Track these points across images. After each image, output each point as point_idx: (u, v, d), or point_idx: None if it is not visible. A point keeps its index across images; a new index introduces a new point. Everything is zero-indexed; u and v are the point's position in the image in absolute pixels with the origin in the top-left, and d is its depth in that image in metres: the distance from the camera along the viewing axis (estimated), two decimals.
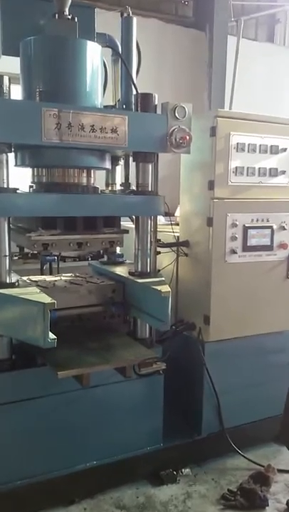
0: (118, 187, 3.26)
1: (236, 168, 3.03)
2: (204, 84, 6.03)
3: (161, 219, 3.97)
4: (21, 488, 2.60)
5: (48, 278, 3.03)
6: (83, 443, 2.79)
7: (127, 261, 3.25)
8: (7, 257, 2.47)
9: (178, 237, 3.30)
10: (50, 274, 3.50)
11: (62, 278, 3.04)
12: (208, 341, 3.09)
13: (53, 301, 2.19)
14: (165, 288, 2.58)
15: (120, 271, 3.03)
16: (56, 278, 3.04)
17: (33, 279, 2.89)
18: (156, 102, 2.74)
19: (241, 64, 5.82)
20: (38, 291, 2.41)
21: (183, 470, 3.11)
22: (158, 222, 3.62)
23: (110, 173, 3.27)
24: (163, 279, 2.79)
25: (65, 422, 2.71)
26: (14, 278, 2.57)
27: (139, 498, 2.84)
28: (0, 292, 2.36)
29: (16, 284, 2.51)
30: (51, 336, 2.16)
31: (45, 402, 2.65)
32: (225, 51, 5.85)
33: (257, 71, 6.25)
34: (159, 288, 2.57)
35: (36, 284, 2.75)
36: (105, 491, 2.86)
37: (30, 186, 2.82)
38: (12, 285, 2.48)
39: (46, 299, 2.21)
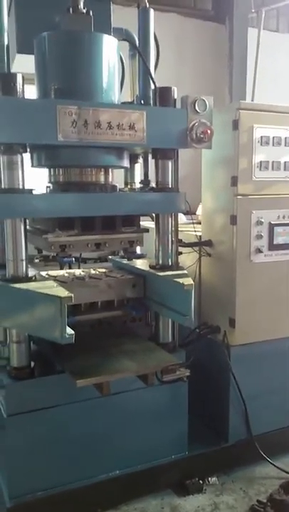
0: (137, 185, 3.15)
1: (261, 162, 2.89)
2: (225, 77, 5.88)
3: (182, 218, 3.86)
4: (43, 499, 2.52)
5: (67, 273, 2.91)
6: (106, 452, 2.69)
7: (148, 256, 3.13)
8: (24, 261, 2.40)
9: (200, 236, 3.18)
10: None
11: (82, 272, 2.93)
12: (233, 345, 2.96)
13: (70, 294, 2.09)
14: (188, 281, 2.46)
15: (141, 265, 2.92)
16: (76, 272, 2.93)
17: (52, 274, 2.79)
18: (175, 96, 2.63)
19: (263, 56, 5.65)
20: (55, 284, 2.32)
21: (209, 479, 2.98)
22: (179, 222, 3.52)
23: (129, 172, 3.17)
24: (185, 272, 2.67)
25: (86, 430, 2.62)
26: (31, 272, 2.48)
27: (164, 509, 2.73)
28: (15, 287, 2.28)
29: (33, 278, 2.42)
30: (69, 331, 2.08)
31: (66, 410, 2.56)
32: (246, 43, 5.69)
33: (279, 62, 6.06)
34: (181, 281, 2.45)
35: (54, 278, 2.65)
36: (129, 502, 2.76)
37: (48, 187, 2.73)
38: (29, 279, 2.40)
39: (63, 292, 2.13)
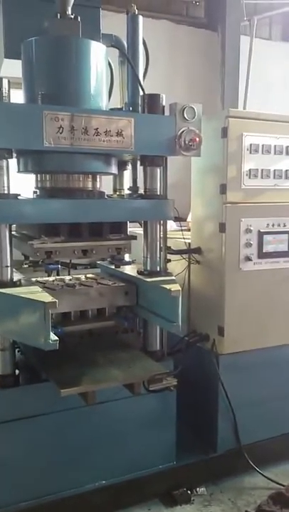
0: (126, 192, 3.12)
1: (250, 170, 2.88)
2: (218, 85, 5.89)
3: (172, 225, 3.84)
4: (27, 510, 2.48)
5: (57, 279, 2.85)
6: (92, 461, 2.65)
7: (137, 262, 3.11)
8: (8, 268, 2.37)
9: (189, 243, 3.16)
10: None
11: (72, 279, 2.87)
12: (222, 353, 2.93)
13: (55, 300, 2.08)
14: (175, 287, 2.43)
15: (129, 270, 2.89)
16: (66, 279, 2.88)
17: (41, 281, 2.74)
18: (164, 103, 2.61)
19: (255, 64, 5.67)
20: (40, 290, 2.30)
21: (198, 489, 2.94)
22: (169, 229, 3.49)
23: (118, 178, 3.15)
24: (174, 278, 2.65)
25: (71, 439, 2.59)
26: (16, 277, 2.46)
27: None
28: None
29: (18, 283, 2.39)
30: (53, 337, 2.05)
31: (51, 419, 2.52)
32: (238, 51, 5.71)
33: (272, 70, 6.08)
34: (168, 287, 2.43)
35: (43, 285, 2.60)
36: None
37: (34, 192, 2.71)
38: (13, 284, 2.37)
39: (47, 298, 2.11)
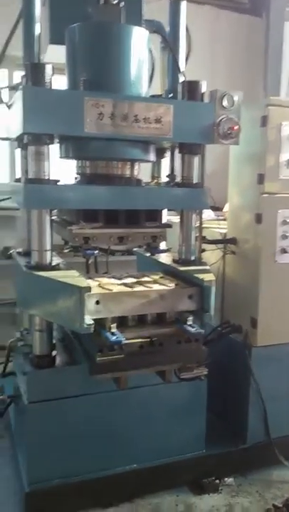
0: (164, 180, 3.12)
1: (288, 160, 2.81)
2: (260, 72, 5.76)
3: (211, 214, 3.82)
4: (59, 488, 2.54)
5: (114, 277, 2.61)
6: (123, 445, 2.69)
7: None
8: (48, 252, 2.42)
9: (225, 233, 3.13)
10: (96, 268, 3.46)
11: (128, 277, 2.60)
12: (255, 346, 2.90)
13: (89, 285, 2.13)
14: (209, 276, 2.43)
15: (165, 259, 2.87)
16: (122, 277, 2.61)
17: (96, 279, 2.52)
18: (203, 90, 2.58)
19: None
20: (78, 274, 2.33)
21: (226, 479, 2.95)
22: (207, 218, 3.48)
23: (156, 166, 3.15)
24: (208, 267, 2.63)
25: (104, 422, 2.63)
26: (56, 261, 2.50)
27: (179, 507, 2.71)
28: (39, 274, 2.30)
29: (57, 267, 2.44)
30: (88, 320, 2.09)
31: (85, 401, 2.57)
32: (282, 38, 5.56)
33: None
34: (202, 276, 2.42)
35: (99, 285, 2.39)
36: (144, 496, 2.75)
37: (76, 178, 2.74)
38: (52, 268, 2.42)
39: (83, 282, 2.15)
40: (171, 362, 2.41)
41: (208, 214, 3.68)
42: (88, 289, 2.08)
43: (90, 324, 2.08)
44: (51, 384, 2.49)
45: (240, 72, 5.59)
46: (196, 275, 2.44)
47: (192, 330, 2.33)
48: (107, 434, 2.65)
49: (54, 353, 2.57)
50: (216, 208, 3.86)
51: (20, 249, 2.81)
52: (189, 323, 2.38)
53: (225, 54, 5.64)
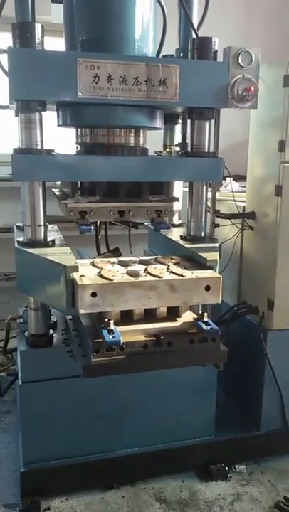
0: (175, 148, 2.90)
1: None
2: None
3: (235, 186, 3.55)
4: (57, 468, 2.49)
5: (120, 262, 2.26)
6: (127, 427, 2.60)
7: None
8: (42, 227, 2.29)
9: (244, 207, 2.89)
10: (106, 242, 3.32)
11: (135, 265, 2.22)
12: (271, 329, 2.69)
13: (76, 264, 1.96)
14: (212, 255, 2.21)
15: (176, 235, 2.64)
16: (129, 264, 2.23)
17: (97, 265, 2.17)
18: (216, 48, 2.31)
19: None
20: (69, 252, 2.18)
21: (237, 466, 2.80)
22: (233, 189, 3.21)
23: (168, 134, 2.93)
24: (216, 245, 2.41)
25: (108, 403, 2.54)
26: (52, 237, 2.36)
27: (183, 493, 2.60)
28: (27, 251, 2.18)
29: (50, 243, 2.30)
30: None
31: (87, 381, 2.44)
32: None
33: None
34: (205, 255, 2.21)
35: (99, 272, 2.03)
36: (147, 480, 2.66)
37: (76, 148, 2.58)
38: (45, 244, 2.28)
39: (70, 261, 1.99)
40: (181, 364, 2.13)
41: (233, 185, 3.42)
42: (75, 268, 1.94)
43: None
44: (47, 364, 2.40)
45: (279, 33, 5.14)
46: (199, 253, 2.23)
47: (207, 328, 2.00)
48: (108, 416, 2.56)
49: (51, 332, 2.48)
50: (242, 178, 3.59)
51: (21, 223, 2.70)
52: (206, 319, 2.05)
53: (261, 10, 5.19)
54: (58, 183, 2.72)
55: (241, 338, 2.81)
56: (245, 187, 3.07)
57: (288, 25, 5.27)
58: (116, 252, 3.26)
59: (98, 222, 3.18)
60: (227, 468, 2.76)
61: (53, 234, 2.49)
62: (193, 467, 2.76)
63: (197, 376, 2.65)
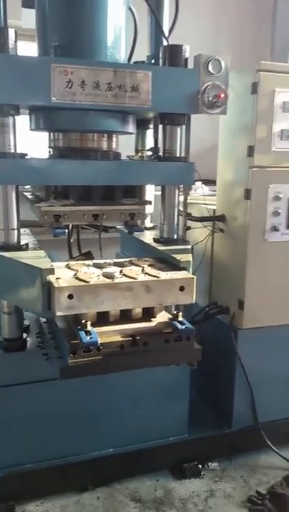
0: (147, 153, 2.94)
1: (282, 131, 2.62)
2: (268, 39, 5.42)
3: (205, 190, 3.63)
4: (32, 472, 2.49)
5: (94, 265, 2.26)
6: (100, 429, 2.62)
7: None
8: (15, 230, 2.29)
9: (214, 210, 2.96)
10: (78, 246, 3.33)
11: (111, 265, 2.26)
12: (241, 328, 2.77)
13: (52, 267, 1.97)
14: (186, 257, 2.26)
15: (148, 238, 2.68)
16: (104, 264, 2.26)
17: (72, 267, 2.18)
18: (187, 55, 2.37)
19: None
20: (44, 255, 2.19)
21: (210, 464, 2.87)
22: (201, 193, 3.29)
23: (140, 138, 2.97)
24: (189, 247, 2.47)
25: (81, 405, 2.55)
26: (25, 240, 2.37)
27: (157, 492, 2.64)
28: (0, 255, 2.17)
29: (24, 247, 2.31)
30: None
31: (60, 384, 2.46)
32: None
33: None
34: (179, 257, 2.25)
35: (75, 274, 2.05)
36: (122, 481, 2.69)
37: (49, 152, 2.59)
38: (19, 247, 2.28)
39: (46, 264, 2.00)
40: (156, 363, 2.19)
41: (203, 189, 3.50)
42: (51, 271, 1.95)
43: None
44: (21, 368, 2.41)
45: (247, 38, 5.27)
46: (173, 255, 2.28)
47: (182, 327, 2.04)
48: (82, 418, 2.57)
49: (25, 335, 2.48)
50: (212, 182, 3.68)
51: None
52: (180, 319, 2.09)
53: (230, 17, 5.30)
54: (28, 186, 2.72)
55: (213, 338, 2.85)
56: (214, 191, 3.16)
57: (255, 32, 5.41)
58: (88, 256, 3.27)
59: (70, 226, 3.19)
60: (200, 465, 2.82)
61: (26, 238, 2.49)
62: (167, 466, 2.81)
63: (170, 376, 2.69)
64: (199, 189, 3.47)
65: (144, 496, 2.61)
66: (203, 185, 3.49)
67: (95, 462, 2.61)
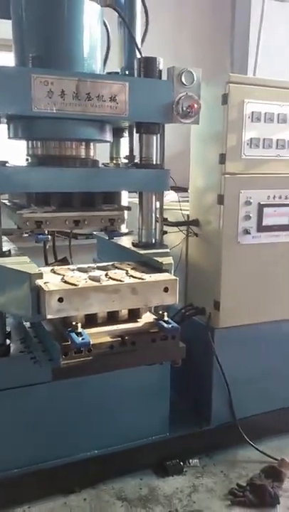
0: (123, 161, 3.03)
1: (251, 139, 2.76)
2: (227, 48, 5.63)
3: (174, 196, 3.75)
4: (19, 477, 2.50)
5: (79, 269, 2.33)
6: (84, 431, 2.66)
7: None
8: None
9: (188, 215, 3.08)
10: (54, 253, 3.36)
11: (96, 269, 2.33)
12: (218, 327, 2.88)
13: (41, 272, 2.02)
14: (167, 260, 2.35)
15: (125, 242, 2.77)
16: (90, 269, 2.33)
17: (58, 272, 2.24)
18: (161, 67, 2.48)
19: (267, 26, 5.39)
20: (28, 260, 2.23)
21: (191, 461, 2.96)
22: (172, 200, 3.40)
23: (115, 146, 3.05)
24: (168, 250, 2.57)
25: (65, 408, 2.58)
26: (7, 247, 2.41)
27: (142, 490, 2.71)
28: None
29: (7, 253, 2.34)
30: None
31: (44, 388, 2.50)
32: (248, 12, 5.41)
33: (285, 34, 5.79)
34: (160, 259, 2.35)
35: (62, 278, 2.11)
36: (107, 481, 2.74)
37: (26, 159, 2.63)
38: (2, 254, 2.32)
39: (33, 269, 2.05)
40: (144, 362, 2.26)
41: (171, 196, 3.61)
42: (40, 275, 2.00)
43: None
44: (5, 374, 2.42)
45: (206, 48, 5.43)
46: (155, 258, 2.37)
47: (168, 326, 2.13)
48: (66, 421, 2.61)
49: (8, 341, 2.50)
50: (184, 189, 3.79)
51: None
52: (165, 318, 2.18)
53: (189, 29, 5.47)
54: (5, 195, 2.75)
55: (190, 339, 2.94)
56: (183, 197, 3.27)
57: (215, 45, 5.61)
58: (64, 262, 3.32)
59: (46, 232, 3.23)
60: (182, 463, 2.91)
61: (6, 244, 2.52)
62: (150, 465, 2.88)
63: (151, 376, 2.77)
64: (169, 195, 3.57)
65: (129, 494, 2.67)
66: (172, 191, 3.60)
67: (80, 464, 2.65)
